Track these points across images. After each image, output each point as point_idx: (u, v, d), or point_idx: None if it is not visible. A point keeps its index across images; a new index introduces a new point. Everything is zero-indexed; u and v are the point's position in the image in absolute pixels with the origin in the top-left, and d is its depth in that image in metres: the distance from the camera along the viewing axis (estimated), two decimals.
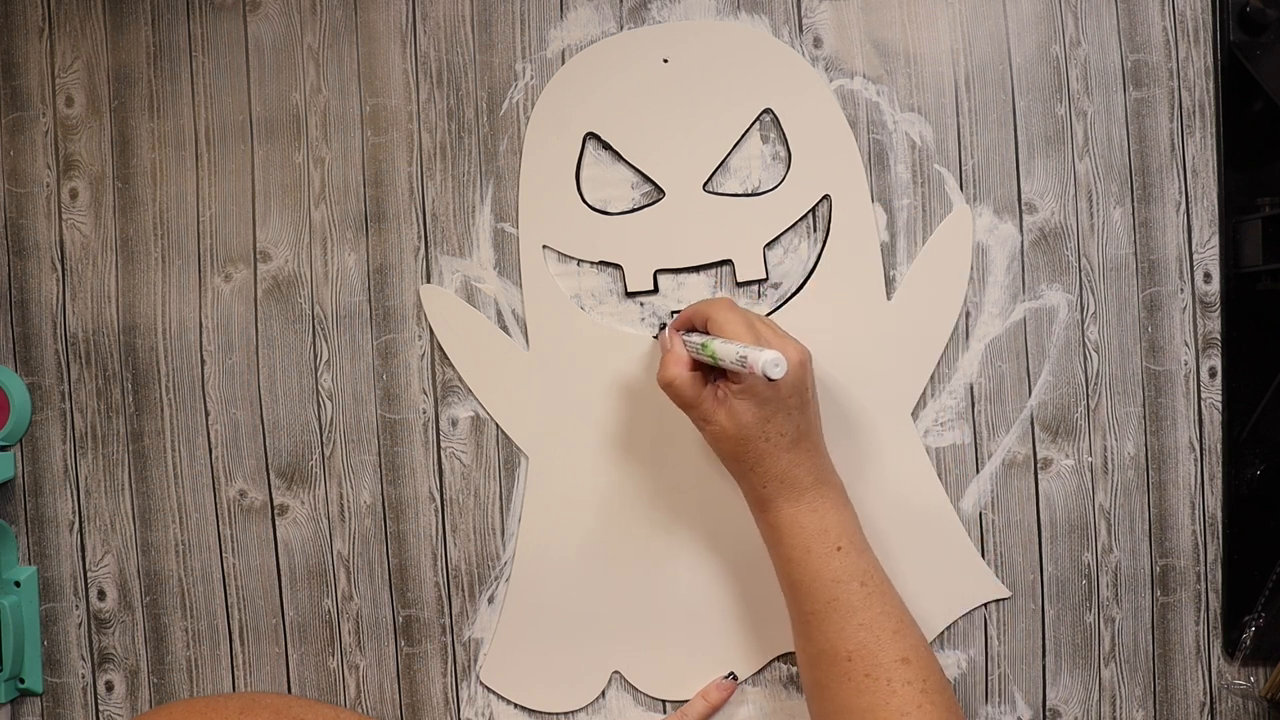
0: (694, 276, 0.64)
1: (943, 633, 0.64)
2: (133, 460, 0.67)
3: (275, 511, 0.66)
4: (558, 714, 0.66)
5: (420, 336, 0.65)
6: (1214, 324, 0.63)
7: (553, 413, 0.65)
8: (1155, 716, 0.64)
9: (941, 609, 0.64)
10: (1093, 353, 0.63)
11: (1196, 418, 0.63)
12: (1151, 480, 0.64)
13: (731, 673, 0.64)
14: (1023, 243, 0.63)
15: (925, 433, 0.64)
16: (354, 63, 0.65)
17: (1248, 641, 0.63)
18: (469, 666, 0.66)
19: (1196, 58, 0.63)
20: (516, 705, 0.66)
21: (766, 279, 0.64)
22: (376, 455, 0.66)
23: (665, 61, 0.63)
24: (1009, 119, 0.63)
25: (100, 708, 0.67)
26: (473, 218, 0.65)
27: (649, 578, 0.65)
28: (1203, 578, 0.64)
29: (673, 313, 0.64)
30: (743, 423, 0.55)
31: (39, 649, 0.67)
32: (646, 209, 0.64)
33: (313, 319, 0.66)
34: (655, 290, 0.64)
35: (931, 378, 0.64)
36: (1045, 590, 0.64)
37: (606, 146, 0.64)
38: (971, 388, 0.64)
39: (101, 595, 0.67)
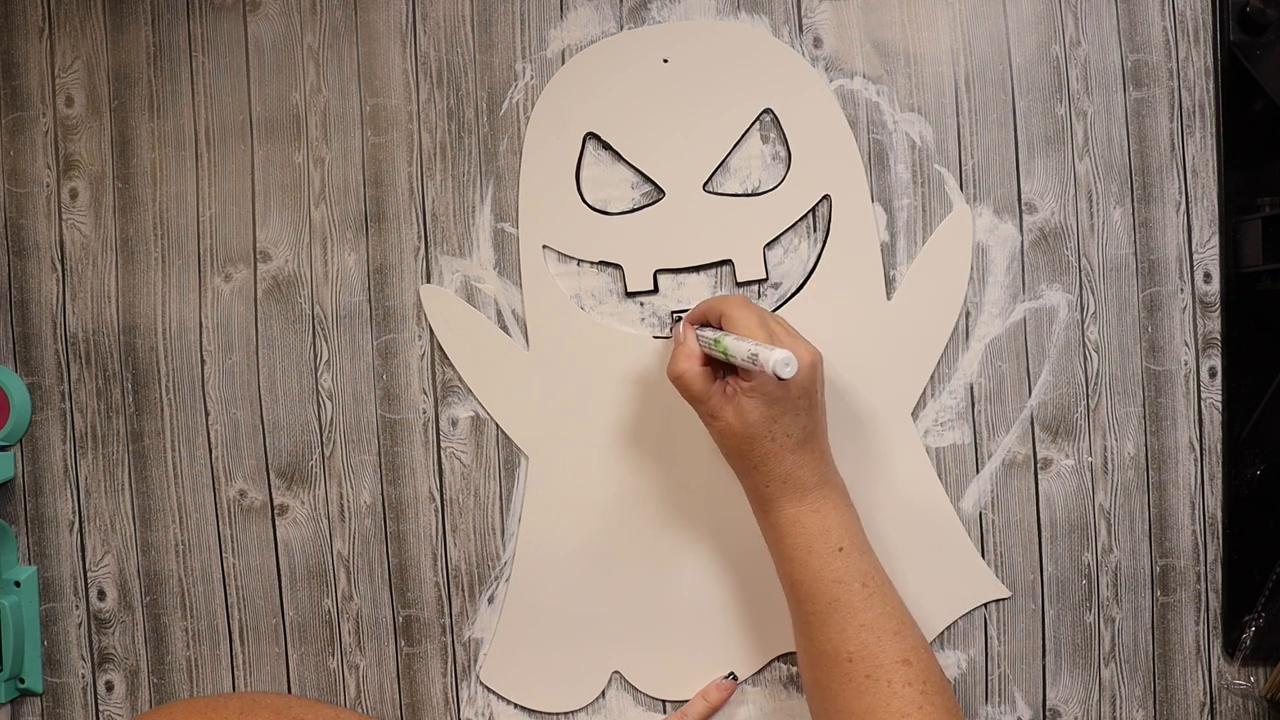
0: (694, 276, 0.64)
1: (943, 633, 0.64)
2: (133, 460, 0.67)
3: (275, 511, 0.66)
4: (558, 714, 0.66)
5: (420, 336, 0.65)
6: (1214, 324, 0.63)
7: (553, 413, 0.65)
8: (1155, 716, 0.64)
9: (942, 609, 0.64)
10: (1093, 353, 0.63)
11: (1196, 418, 0.63)
12: (1151, 480, 0.64)
13: (731, 673, 0.64)
14: (1023, 243, 0.63)
15: (925, 433, 0.64)
16: (354, 63, 0.65)
17: (1248, 641, 0.63)
18: (469, 666, 0.66)
19: (1196, 58, 0.63)
20: (516, 705, 0.66)
21: (766, 279, 0.64)
22: (376, 455, 0.66)
23: (665, 61, 0.63)
24: (1009, 119, 0.63)
25: (100, 708, 0.67)
26: (473, 218, 0.65)
27: (649, 578, 0.65)
28: (1203, 578, 0.64)
29: (674, 313, 0.64)
30: (750, 421, 0.55)
31: (39, 649, 0.67)
32: (646, 209, 0.64)
33: (313, 319, 0.66)
34: (655, 290, 0.64)
35: (931, 378, 0.64)
36: (1045, 590, 0.64)
37: (606, 146, 0.64)
38: (971, 388, 0.64)
39: (101, 595, 0.67)
